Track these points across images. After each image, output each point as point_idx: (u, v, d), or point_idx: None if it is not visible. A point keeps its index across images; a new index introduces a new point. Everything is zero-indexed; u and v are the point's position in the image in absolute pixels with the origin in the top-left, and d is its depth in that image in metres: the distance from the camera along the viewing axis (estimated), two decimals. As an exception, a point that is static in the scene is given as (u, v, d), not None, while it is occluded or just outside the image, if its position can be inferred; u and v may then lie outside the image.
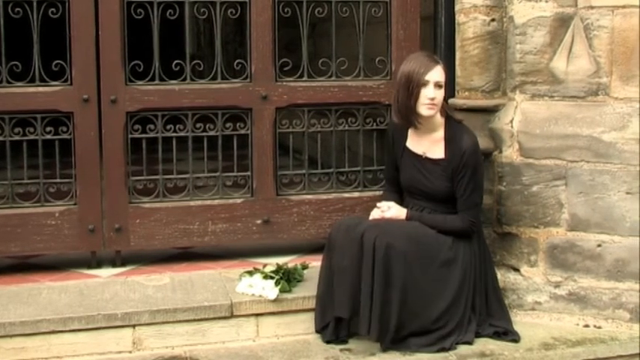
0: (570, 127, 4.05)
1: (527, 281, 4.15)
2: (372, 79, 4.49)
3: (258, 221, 4.42)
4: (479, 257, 3.93)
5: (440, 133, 3.94)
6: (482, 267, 3.94)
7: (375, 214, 3.93)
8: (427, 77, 3.80)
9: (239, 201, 4.43)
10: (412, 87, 3.80)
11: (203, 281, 4.14)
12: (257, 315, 3.91)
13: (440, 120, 3.93)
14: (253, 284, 3.93)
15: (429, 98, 3.80)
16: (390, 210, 3.93)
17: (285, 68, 4.44)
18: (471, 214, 3.89)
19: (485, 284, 3.95)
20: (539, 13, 4.12)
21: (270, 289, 3.88)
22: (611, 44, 4.01)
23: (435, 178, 3.95)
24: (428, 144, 3.97)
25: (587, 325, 4.05)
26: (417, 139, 3.99)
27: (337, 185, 4.55)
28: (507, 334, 3.90)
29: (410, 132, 4.00)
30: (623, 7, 3.97)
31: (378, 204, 3.96)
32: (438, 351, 3.74)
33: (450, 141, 3.91)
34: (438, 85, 3.83)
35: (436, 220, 3.91)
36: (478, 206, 3.95)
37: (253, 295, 3.89)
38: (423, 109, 3.83)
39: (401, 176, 4.07)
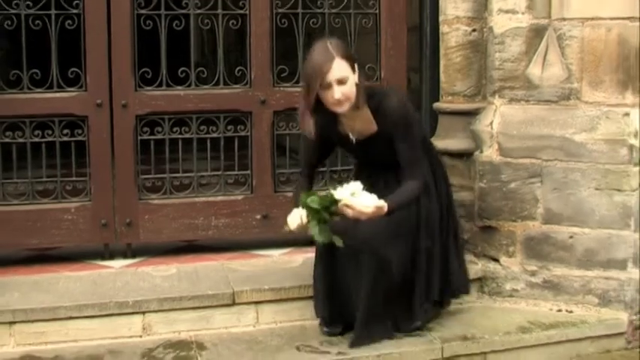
0: (545, 129, 4.23)
1: (506, 270, 4.33)
2: (364, 85, 4.71)
3: (258, 216, 4.58)
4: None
5: (366, 110, 3.73)
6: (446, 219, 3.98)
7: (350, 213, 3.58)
8: (327, 80, 3.56)
9: (240, 197, 4.59)
10: (314, 95, 3.59)
11: (207, 272, 4.29)
12: (257, 303, 4.05)
13: (361, 100, 3.69)
14: (356, 192, 3.60)
15: (335, 99, 3.60)
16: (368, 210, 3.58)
17: (283, 75, 4.59)
18: (418, 172, 3.75)
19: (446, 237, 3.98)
20: (516, 24, 4.29)
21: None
22: (581, 53, 4.18)
23: (380, 152, 3.80)
24: (360, 123, 3.77)
25: (560, 310, 4.23)
26: (348, 121, 3.80)
27: (330, 182, 4.65)
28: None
29: (340, 117, 3.79)
30: (592, 19, 4.16)
31: (350, 202, 3.55)
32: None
33: (376, 111, 3.73)
34: (340, 82, 3.58)
35: (408, 197, 3.73)
36: (420, 160, 3.78)
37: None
38: (335, 108, 3.65)
39: (349, 155, 4.11)
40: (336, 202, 3.57)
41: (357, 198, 3.55)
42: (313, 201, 3.59)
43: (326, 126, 3.78)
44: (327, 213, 3.60)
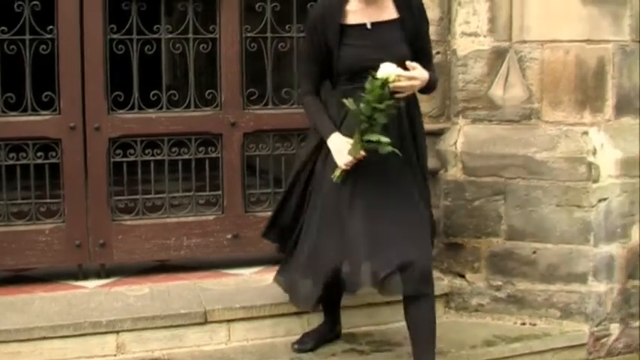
0: (507, 148, 4.35)
1: (472, 286, 4.44)
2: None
3: (229, 236, 4.64)
4: None
5: None
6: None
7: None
8: None
9: (211, 218, 4.65)
10: None
11: (179, 291, 4.33)
12: (228, 321, 4.10)
13: None
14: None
15: None
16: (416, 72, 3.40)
17: (252, 97, 4.66)
18: (435, 70, 3.67)
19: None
20: (478, 47, 4.43)
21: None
22: (541, 74, 4.32)
23: (391, 47, 3.53)
24: (377, 9, 3.57)
25: (524, 324, 4.34)
26: (361, 11, 3.57)
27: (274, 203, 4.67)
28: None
29: (349, 9, 3.57)
30: (551, 41, 4.31)
31: (408, 74, 3.36)
32: None
33: None
34: None
35: (434, 83, 3.62)
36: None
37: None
38: None
39: (341, 63, 3.54)
40: (385, 83, 3.28)
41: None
42: (373, 93, 3.26)
43: (328, 25, 3.55)
44: (382, 106, 3.30)
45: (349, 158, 3.44)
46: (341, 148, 3.49)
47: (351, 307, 4.25)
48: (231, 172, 4.65)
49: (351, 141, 3.44)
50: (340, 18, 3.55)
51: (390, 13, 3.57)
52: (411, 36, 3.58)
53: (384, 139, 3.33)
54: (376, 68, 3.32)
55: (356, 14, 3.57)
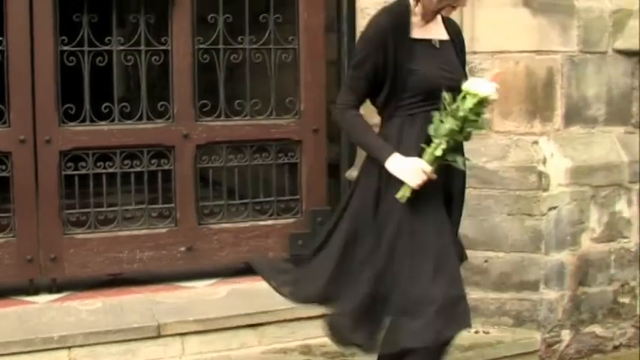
0: (460, 158, 4.47)
1: (425, 295, 4.52)
2: (283, 118, 4.77)
3: (182, 249, 4.62)
4: None
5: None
6: None
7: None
8: None
9: (164, 230, 4.63)
10: None
11: (132, 305, 4.31)
12: (182, 334, 4.09)
13: None
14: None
15: None
16: None
17: (205, 109, 4.67)
18: None
19: None
20: (426, 59, 4.55)
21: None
22: (491, 84, 4.46)
23: (457, 67, 3.33)
24: (434, 28, 3.31)
25: (477, 332, 4.36)
26: (423, 26, 3.27)
27: (253, 214, 4.78)
28: None
29: (414, 21, 3.25)
30: (501, 52, 4.37)
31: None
32: None
33: (444, 18, 3.35)
34: None
35: None
36: None
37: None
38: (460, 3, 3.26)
39: (414, 80, 3.18)
40: (484, 100, 3.09)
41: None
42: (470, 110, 3.05)
43: (399, 38, 3.21)
44: (476, 124, 3.12)
45: (423, 177, 3.12)
46: (412, 167, 3.12)
47: (305, 319, 4.25)
48: (183, 184, 4.64)
49: (420, 160, 3.14)
50: (410, 31, 3.26)
51: (444, 33, 3.36)
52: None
53: (460, 158, 3.20)
54: (453, 88, 3.13)
55: (420, 29, 3.29)
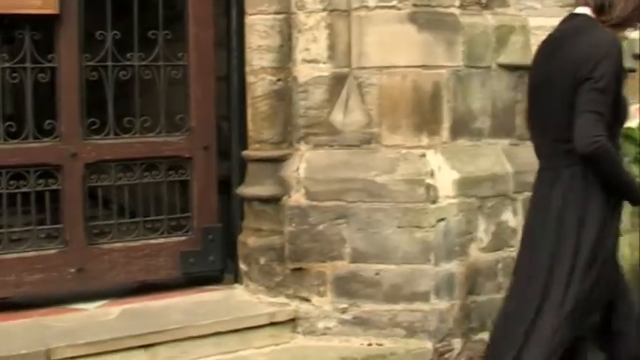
0: (349, 172, 4.41)
1: (318, 310, 4.45)
2: (173, 135, 4.76)
3: (72, 270, 4.53)
4: None
5: None
6: None
7: None
8: None
9: (53, 252, 4.54)
10: None
11: (20, 330, 4.20)
12: (72, 358, 3.99)
13: None
14: None
15: None
16: None
17: (93, 127, 4.60)
18: None
19: None
20: (318, 73, 4.49)
21: None
22: (380, 99, 4.41)
23: None
24: None
25: (370, 344, 4.38)
26: None
27: (144, 233, 4.72)
28: None
29: None
30: (388, 67, 4.41)
31: None
32: None
33: None
34: None
35: None
36: None
37: None
38: None
39: (623, 109, 3.36)
40: None
41: None
42: None
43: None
44: None
45: None
46: None
47: (197, 337, 4.24)
48: (72, 204, 4.57)
49: None
50: None
51: None
52: None
53: None
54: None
55: None
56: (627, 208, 5.01)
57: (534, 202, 3.58)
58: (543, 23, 4.79)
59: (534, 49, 4.67)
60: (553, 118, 3.41)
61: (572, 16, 3.56)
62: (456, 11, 4.55)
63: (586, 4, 3.49)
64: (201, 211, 4.81)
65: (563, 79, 3.34)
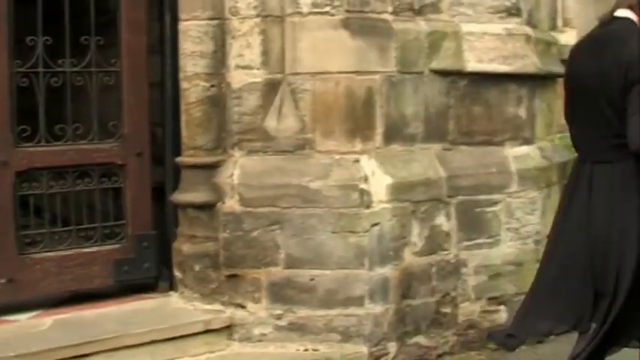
0: (283, 178, 4.42)
1: (253, 316, 4.44)
2: (106, 142, 4.70)
3: (3, 280, 4.45)
4: None
5: None
6: None
7: None
8: None
9: (-17, 263, 4.44)
10: None
11: (-51, 343, 4.10)
12: None
13: None
14: None
15: None
16: None
17: (24, 134, 4.52)
18: None
19: None
20: (252, 79, 4.49)
21: None
22: (313, 105, 4.43)
23: None
24: None
25: (306, 350, 4.40)
26: None
27: (77, 241, 4.66)
28: None
29: None
30: (322, 73, 4.42)
31: None
32: None
33: None
34: None
35: None
36: None
37: None
38: None
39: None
40: None
41: None
42: None
43: None
44: None
45: None
46: None
47: (131, 346, 4.21)
48: (2, 213, 4.47)
49: None
50: None
51: None
52: None
53: None
54: None
55: None
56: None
57: (574, 191, 3.82)
58: (475, 29, 4.88)
59: (466, 54, 4.82)
60: (600, 116, 3.67)
61: (614, 19, 3.75)
62: (389, 17, 4.59)
63: (629, 8, 3.73)
64: (135, 219, 4.77)
65: (610, 80, 3.60)
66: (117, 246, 4.73)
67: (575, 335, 3.89)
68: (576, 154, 3.93)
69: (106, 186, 4.76)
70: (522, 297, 4.77)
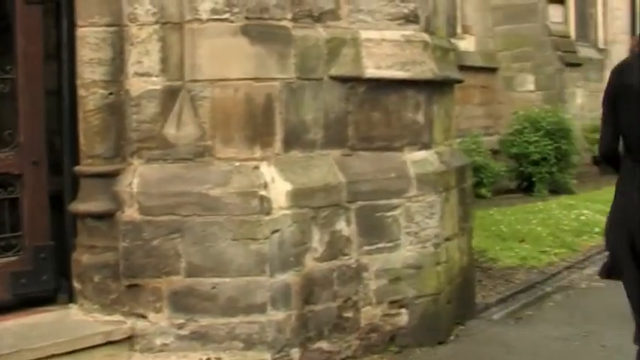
0: (182, 186, 4.41)
1: (155, 326, 4.41)
2: (1, 151, 4.62)
3: None
4: None
5: None
6: None
7: None
8: None
9: None
10: None
11: None
12: None
13: None
14: None
15: None
16: None
17: None
18: None
19: None
20: (151, 87, 4.48)
21: None
22: (213, 112, 4.43)
23: None
24: None
25: (209, 359, 4.39)
26: None
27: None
28: None
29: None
30: (221, 80, 4.43)
31: None
32: None
33: None
34: None
35: None
36: None
37: None
38: None
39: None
40: None
41: None
42: None
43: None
44: None
45: None
46: None
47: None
48: None
49: None
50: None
51: None
52: None
53: None
54: None
55: None
56: (454, 216, 5.22)
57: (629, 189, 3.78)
58: (374, 36, 4.94)
59: (365, 61, 4.88)
60: None
61: None
62: (289, 24, 4.62)
63: None
64: (33, 230, 4.68)
65: None
66: (14, 258, 4.63)
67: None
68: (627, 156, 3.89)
69: (2, 196, 4.67)
70: (423, 300, 4.89)
